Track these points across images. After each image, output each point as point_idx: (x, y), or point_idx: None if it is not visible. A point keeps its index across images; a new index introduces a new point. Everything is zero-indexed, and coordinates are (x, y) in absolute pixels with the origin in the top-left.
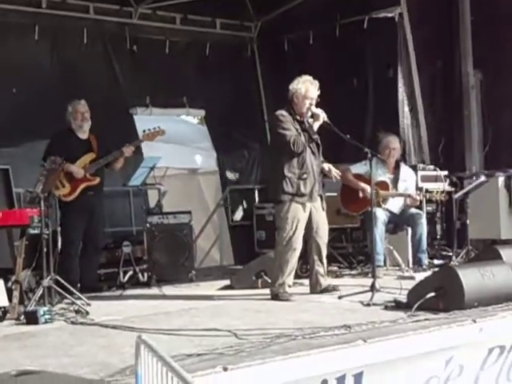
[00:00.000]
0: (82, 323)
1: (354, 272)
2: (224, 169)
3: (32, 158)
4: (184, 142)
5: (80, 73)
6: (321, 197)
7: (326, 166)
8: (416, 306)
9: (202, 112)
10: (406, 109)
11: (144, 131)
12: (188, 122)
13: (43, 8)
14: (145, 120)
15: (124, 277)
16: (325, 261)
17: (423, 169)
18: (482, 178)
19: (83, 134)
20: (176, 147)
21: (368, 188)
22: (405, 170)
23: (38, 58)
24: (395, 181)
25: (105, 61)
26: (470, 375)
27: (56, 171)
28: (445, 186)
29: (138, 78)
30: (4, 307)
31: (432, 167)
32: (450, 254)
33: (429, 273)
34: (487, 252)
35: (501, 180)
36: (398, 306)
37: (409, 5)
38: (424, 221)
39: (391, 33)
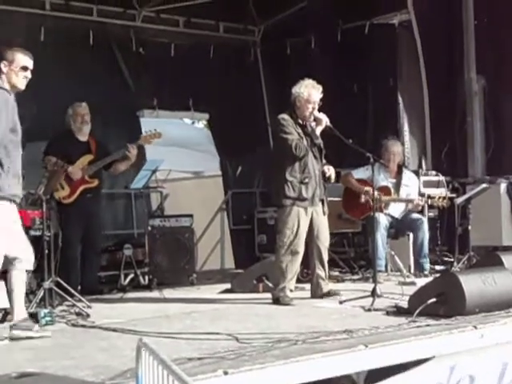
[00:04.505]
0: (82, 326)
1: (355, 277)
2: (227, 172)
3: (34, 159)
4: (188, 146)
5: (86, 75)
6: (322, 201)
7: (326, 167)
8: (417, 311)
9: (206, 115)
10: (405, 115)
11: (141, 134)
12: (192, 125)
13: (47, 10)
14: (151, 123)
15: (125, 280)
16: (326, 265)
17: (425, 174)
18: (483, 186)
19: (83, 137)
20: (179, 150)
21: (371, 189)
22: (407, 174)
23: (45, 60)
24: (397, 186)
25: (111, 63)
26: None
27: (58, 173)
28: (447, 191)
29: (144, 80)
30: (5, 309)
31: (434, 173)
32: (452, 259)
33: (430, 278)
34: (489, 258)
35: (503, 186)
36: (399, 311)
37: (413, 11)
38: (426, 226)
39: (392, 39)
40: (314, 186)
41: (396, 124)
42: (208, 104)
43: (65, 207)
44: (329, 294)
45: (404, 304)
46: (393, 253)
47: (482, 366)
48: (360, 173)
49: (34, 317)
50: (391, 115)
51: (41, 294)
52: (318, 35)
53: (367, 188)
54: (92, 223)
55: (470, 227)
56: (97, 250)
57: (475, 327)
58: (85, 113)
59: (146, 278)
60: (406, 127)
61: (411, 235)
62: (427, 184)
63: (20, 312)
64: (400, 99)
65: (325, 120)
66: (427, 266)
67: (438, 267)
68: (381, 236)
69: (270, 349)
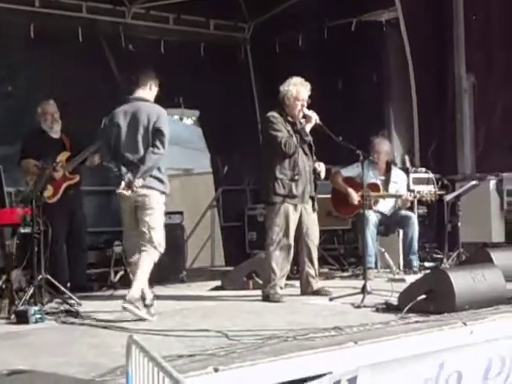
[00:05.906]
0: (72, 323)
1: (345, 274)
2: (217, 169)
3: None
4: (178, 143)
5: (76, 71)
6: (313, 198)
7: (317, 164)
8: (407, 308)
9: (196, 112)
10: (392, 112)
11: None
12: (182, 122)
13: (36, 7)
14: None
15: (115, 277)
16: (316, 263)
17: (415, 171)
18: (473, 182)
19: (56, 134)
20: (169, 147)
21: (354, 196)
22: (396, 171)
23: (35, 57)
24: (386, 183)
25: (100, 60)
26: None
27: (48, 171)
28: (436, 188)
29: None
30: None
31: (423, 170)
32: (441, 256)
33: (420, 275)
34: (478, 255)
35: (492, 183)
36: (388, 308)
37: (401, 8)
38: (415, 222)
39: (379, 37)
40: (305, 182)
41: (383, 121)
42: (198, 101)
43: (48, 206)
44: (318, 293)
45: (394, 301)
46: (382, 250)
47: (469, 362)
48: (349, 170)
49: (23, 314)
50: (378, 113)
51: (30, 291)
52: (304, 33)
53: (350, 190)
54: (76, 220)
55: (459, 224)
56: (83, 246)
57: (465, 324)
58: (54, 111)
59: None
60: (392, 125)
61: (401, 232)
62: (417, 181)
63: (137, 290)
64: (387, 96)
65: (314, 117)
66: (416, 262)
67: (427, 264)
68: (370, 233)
69: (260, 346)
